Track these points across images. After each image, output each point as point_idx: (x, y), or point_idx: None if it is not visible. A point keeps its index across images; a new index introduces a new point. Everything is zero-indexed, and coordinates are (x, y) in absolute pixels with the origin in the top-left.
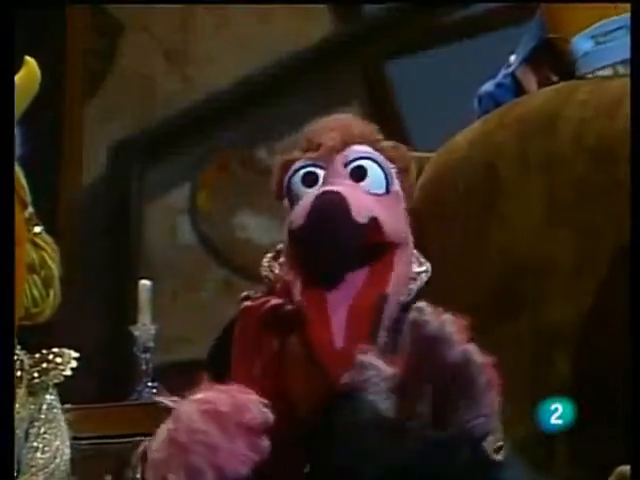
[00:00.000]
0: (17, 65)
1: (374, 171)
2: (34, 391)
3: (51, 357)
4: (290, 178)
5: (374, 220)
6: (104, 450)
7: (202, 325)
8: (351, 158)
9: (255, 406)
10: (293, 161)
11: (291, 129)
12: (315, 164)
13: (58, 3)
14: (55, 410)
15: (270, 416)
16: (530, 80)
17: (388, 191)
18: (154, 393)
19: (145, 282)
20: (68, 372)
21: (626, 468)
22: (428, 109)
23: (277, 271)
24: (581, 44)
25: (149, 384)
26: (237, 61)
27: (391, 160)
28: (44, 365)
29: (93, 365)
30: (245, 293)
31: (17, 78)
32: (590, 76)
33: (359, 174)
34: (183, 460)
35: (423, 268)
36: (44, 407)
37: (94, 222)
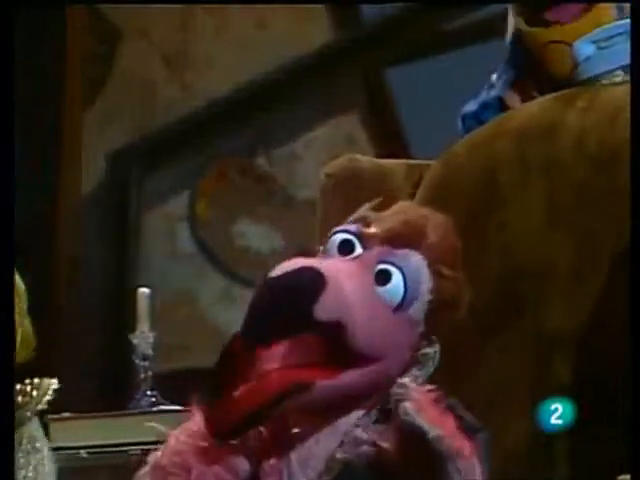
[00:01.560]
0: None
1: (397, 283)
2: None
3: (29, 389)
4: (333, 234)
5: (338, 326)
6: (102, 459)
7: (201, 333)
8: (386, 259)
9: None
10: (354, 220)
11: (291, 136)
12: (360, 239)
13: (58, 3)
14: (37, 444)
15: (248, 438)
16: (516, 100)
17: (399, 309)
18: (153, 402)
19: (144, 290)
20: (43, 406)
21: (626, 477)
22: (428, 116)
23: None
24: (582, 49)
25: (148, 392)
26: (237, 67)
27: (438, 289)
28: (19, 399)
29: (92, 373)
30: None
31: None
32: (588, 83)
33: (382, 278)
34: None
35: (430, 350)
36: (24, 441)
37: (93, 229)
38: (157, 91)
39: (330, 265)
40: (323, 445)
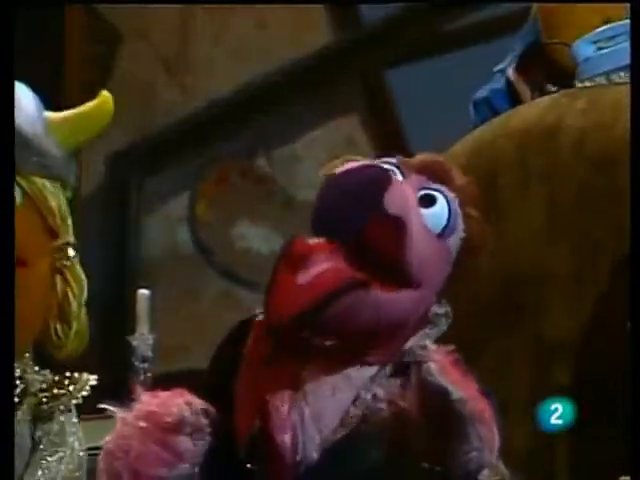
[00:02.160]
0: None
1: (440, 208)
2: (40, 417)
3: (66, 382)
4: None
5: (401, 222)
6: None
7: (201, 335)
8: (429, 186)
9: (176, 406)
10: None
11: (291, 137)
12: (399, 166)
13: (57, 3)
14: (65, 437)
15: (188, 415)
16: (522, 85)
17: (441, 236)
18: None
19: (144, 291)
20: (78, 400)
21: (627, 479)
22: (427, 117)
23: None
24: (582, 49)
25: None
26: (236, 68)
27: (467, 230)
28: (55, 391)
29: (91, 375)
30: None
31: (88, 106)
32: (588, 83)
33: (427, 201)
34: (109, 467)
35: (442, 310)
36: (52, 432)
37: (93, 231)
38: (157, 93)
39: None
40: (338, 399)
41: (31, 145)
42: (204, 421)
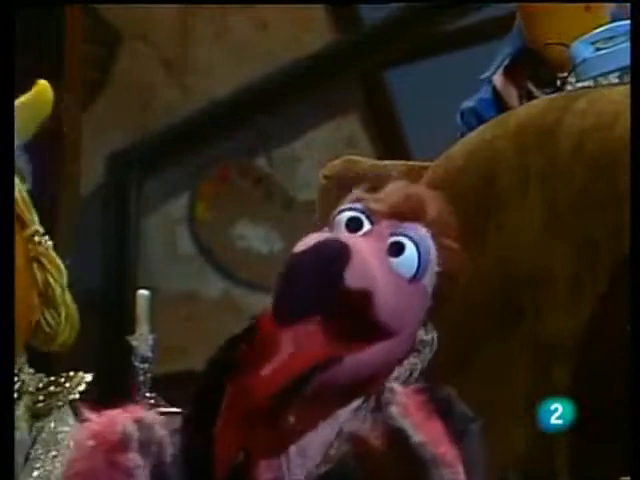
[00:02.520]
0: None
1: (410, 253)
2: (38, 415)
3: (62, 380)
4: (339, 213)
5: (366, 293)
6: None
7: (201, 335)
8: (398, 231)
9: (121, 424)
10: (356, 201)
11: (291, 138)
12: (368, 215)
13: (57, 3)
14: (58, 435)
15: (133, 431)
16: (510, 92)
17: (413, 280)
18: (152, 404)
19: (144, 292)
20: (74, 396)
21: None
22: (428, 117)
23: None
24: (580, 50)
25: (147, 395)
26: (236, 70)
27: (443, 261)
28: (51, 388)
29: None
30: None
31: (25, 97)
32: (587, 84)
33: (396, 249)
34: None
35: (428, 337)
36: (45, 432)
37: (93, 231)
38: (157, 93)
39: (348, 238)
40: (321, 434)
41: None
42: (161, 432)
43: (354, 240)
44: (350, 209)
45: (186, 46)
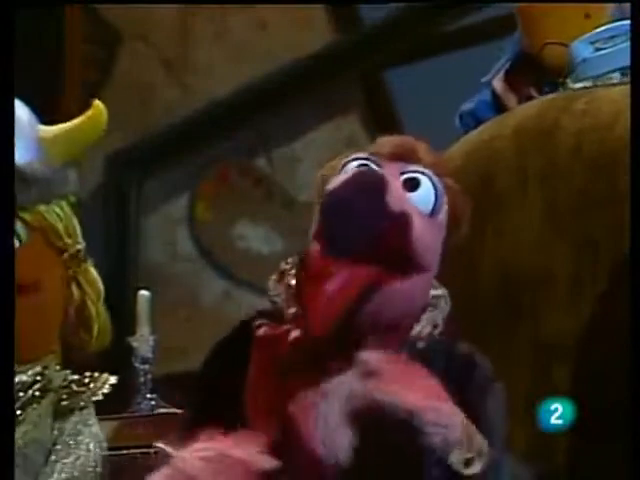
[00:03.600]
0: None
1: (427, 188)
2: (60, 413)
3: (87, 381)
4: (344, 165)
5: (406, 217)
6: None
7: (201, 336)
8: (409, 169)
9: (253, 450)
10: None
11: (291, 138)
12: (373, 160)
13: (57, 3)
14: (79, 437)
15: (266, 460)
16: (509, 96)
17: (432, 214)
18: (153, 405)
19: (144, 293)
20: (98, 397)
21: None
22: (428, 117)
23: (283, 295)
24: (581, 50)
25: (148, 396)
26: (236, 70)
27: (449, 201)
28: (75, 388)
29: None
30: (258, 321)
31: (81, 119)
32: (587, 84)
33: (412, 185)
34: None
35: (439, 292)
36: (66, 431)
37: (93, 231)
38: (157, 93)
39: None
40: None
41: (28, 177)
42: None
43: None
44: (355, 158)
45: (186, 46)
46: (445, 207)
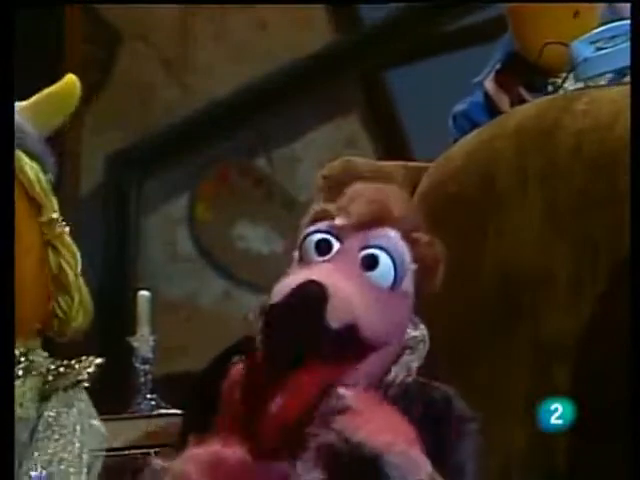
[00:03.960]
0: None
1: (386, 264)
2: (46, 395)
3: (73, 362)
4: (306, 237)
5: (351, 327)
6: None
7: (202, 336)
8: (369, 244)
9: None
10: (317, 218)
11: (291, 138)
12: (335, 234)
13: (57, 3)
14: (62, 417)
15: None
16: (501, 96)
17: (393, 288)
18: (153, 405)
19: (144, 293)
20: (83, 376)
21: None
22: (428, 117)
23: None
24: (581, 49)
25: (148, 396)
26: (236, 70)
27: (418, 256)
28: (61, 369)
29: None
30: (237, 358)
31: (51, 88)
32: (587, 84)
33: (370, 263)
34: None
35: (417, 333)
36: (48, 414)
37: (93, 232)
38: (157, 93)
39: (322, 272)
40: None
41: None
42: None
43: (328, 269)
44: (317, 231)
45: (186, 46)
46: (411, 268)
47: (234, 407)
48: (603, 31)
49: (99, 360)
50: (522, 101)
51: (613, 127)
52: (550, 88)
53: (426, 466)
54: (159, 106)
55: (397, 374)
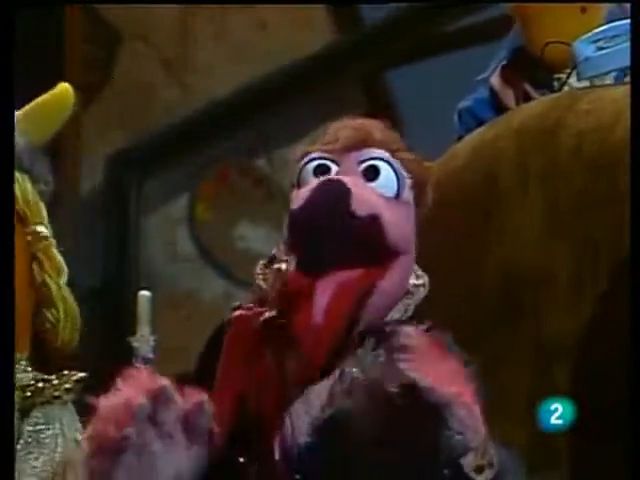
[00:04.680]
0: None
1: (387, 173)
2: (24, 410)
3: (52, 377)
4: (303, 167)
5: (375, 218)
6: None
7: (202, 336)
8: (365, 157)
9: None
10: (310, 152)
11: (291, 138)
12: (329, 158)
13: (57, 3)
14: (41, 435)
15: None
16: (507, 92)
17: (398, 196)
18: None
19: (145, 293)
20: (60, 392)
21: None
22: (428, 117)
23: (270, 280)
24: (582, 49)
25: None
26: (236, 70)
27: (408, 171)
28: (39, 384)
29: (90, 377)
30: (236, 303)
31: (44, 97)
32: (588, 83)
33: (371, 174)
34: None
35: (420, 281)
36: (25, 431)
37: (93, 232)
38: (157, 93)
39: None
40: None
41: None
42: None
43: (338, 177)
44: (311, 160)
45: (186, 46)
46: (408, 182)
47: (243, 358)
48: (604, 30)
49: (79, 375)
50: (528, 97)
51: (614, 127)
52: (556, 85)
53: (483, 427)
54: (159, 106)
55: (395, 315)
